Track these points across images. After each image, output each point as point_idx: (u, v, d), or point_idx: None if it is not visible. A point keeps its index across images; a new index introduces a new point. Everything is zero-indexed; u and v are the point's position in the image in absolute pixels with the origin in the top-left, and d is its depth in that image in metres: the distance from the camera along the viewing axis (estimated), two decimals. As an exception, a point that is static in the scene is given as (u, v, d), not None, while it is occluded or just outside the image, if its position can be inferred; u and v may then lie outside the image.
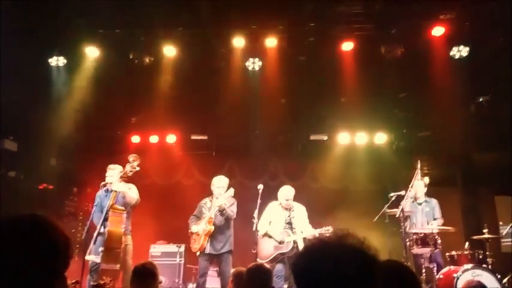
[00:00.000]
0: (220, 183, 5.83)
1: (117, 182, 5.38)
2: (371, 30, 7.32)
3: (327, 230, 5.51)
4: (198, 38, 7.40)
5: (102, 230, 5.10)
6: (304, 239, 5.71)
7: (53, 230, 1.24)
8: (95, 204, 5.60)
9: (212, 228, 5.66)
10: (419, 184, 6.29)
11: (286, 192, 5.96)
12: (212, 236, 5.68)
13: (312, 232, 5.68)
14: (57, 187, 8.18)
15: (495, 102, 7.88)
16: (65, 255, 1.25)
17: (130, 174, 5.41)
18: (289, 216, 5.89)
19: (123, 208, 5.32)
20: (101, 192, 5.67)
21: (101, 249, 4.94)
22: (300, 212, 5.97)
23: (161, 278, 3.82)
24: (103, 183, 5.53)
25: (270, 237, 5.79)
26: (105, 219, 5.15)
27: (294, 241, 5.71)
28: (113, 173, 5.51)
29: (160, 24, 7.17)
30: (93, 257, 4.99)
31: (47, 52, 7.45)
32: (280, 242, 5.73)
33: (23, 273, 1.15)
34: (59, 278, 1.24)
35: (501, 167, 8.24)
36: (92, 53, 7.37)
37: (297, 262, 1.20)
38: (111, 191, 5.39)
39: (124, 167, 5.45)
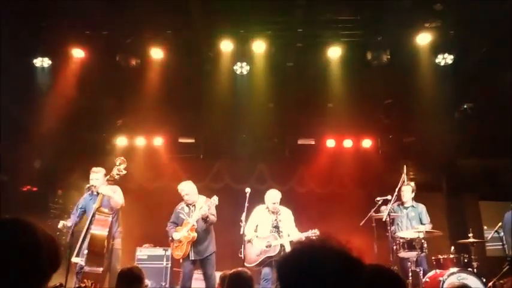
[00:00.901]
0: (185, 190, 5.77)
1: (102, 185, 5.32)
2: (358, 36, 7.41)
3: (313, 233, 5.53)
4: (185, 41, 7.38)
5: (88, 232, 5.05)
6: (291, 242, 5.71)
7: (35, 234, 1.20)
8: (79, 206, 5.53)
9: (195, 235, 5.63)
10: (406, 189, 6.37)
11: (273, 196, 5.96)
12: (194, 243, 5.65)
13: (298, 235, 5.69)
14: (42, 189, 8.04)
15: (479, 109, 8.05)
16: (49, 259, 1.21)
17: (117, 177, 5.37)
18: (276, 219, 5.90)
19: (108, 211, 5.26)
20: (85, 195, 5.60)
21: (85, 251, 4.90)
22: (287, 216, 5.98)
23: (147, 281, 3.77)
24: (87, 186, 5.46)
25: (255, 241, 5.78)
26: (91, 222, 5.09)
27: (281, 244, 5.71)
28: (97, 176, 5.46)
29: (147, 26, 7.13)
30: (78, 259, 4.94)
31: (32, 53, 7.33)
32: (267, 246, 5.73)
33: (2, 279, 1.11)
34: (45, 283, 1.20)
35: (485, 172, 8.42)
36: (77, 54, 7.28)
37: (281, 264, 1.21)
38: (97, 194, 5.34)
39: (110, 169, 5.41)
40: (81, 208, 5.53)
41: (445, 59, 7.38)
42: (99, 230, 5.09)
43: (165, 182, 8.62)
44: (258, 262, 5.70)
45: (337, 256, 1.13)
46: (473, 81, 7.55)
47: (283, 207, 6.05)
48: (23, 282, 1.14)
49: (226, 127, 8.52)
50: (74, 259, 4.93)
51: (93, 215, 5.15)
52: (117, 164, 5.39)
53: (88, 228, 5.10)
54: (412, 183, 6.66)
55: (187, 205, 5.84)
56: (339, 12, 7.08)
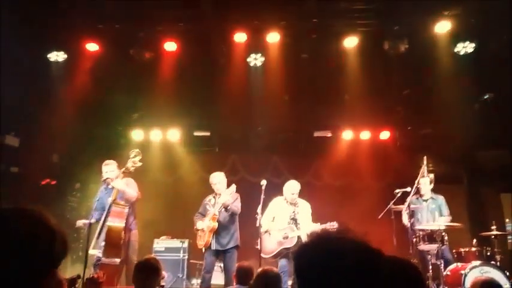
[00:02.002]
0: (215, 179, 5.86)
1: (116, 179, 5.35)
2: (374, 26, 7.25)
3: (331, 225, 5.45)
4: (198, 33, 7.33)
5: (104, 225, 5.09)
6: (308, 234, 5.64)
7: (38, 224, 1.11)
8: (96, 199, 5.57)
9: (216, 224, 5.66)
10: (424, 181, 6.23)
11: (292, 186, 5.92)
12: (217, 233, 5.70)
13: (316, 227, 5.63)
14: (60, 183, 8.11)
15: (500, 99, 7.82)
16: (53, 251, 1.11)
17: (132, 169, 5.38)
18: (293, 212, 5.85)
19: (124, 203, 5.30)
20: (101, 189, 5.67)
21: (102, 243, 4.94)
22: (305, 209, 5.93)
23: (164, 273, 3.75)
24: (103, 179, 5.50)
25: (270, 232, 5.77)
26: (107, 215, 5.14)
27: (298, 236, 5.66)
28: (110, 168, 5.50)
29: (160, 19, 7.10)
30: (96, 251, 4.99)
31: (46, 47, 7.38)
32: (284, 237, 5.68)
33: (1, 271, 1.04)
34: (47, 277, 1.10)
35: (506, 164, 8.18)
36: (91, 48, 7.30)
37: (298, 253, 1.19)
38: (112, 187, 5.38)
39: (124, 162, 5.42)
40: (98, 200, 5.56)
41: (465, 47, 7.19)
42: (116, 222, 5.14)
43: (180, 175, 8.66)
44: (274, 253, 5.67)
45: (355, 247, 1.10)
46: (494, 71, 7.32)
47: (302, 200, 6.00)
48: (22, 277, 1.07)
49: (241, 120, 8.47)
50: (91, 251, 4.96)
51: (110, 207, 5.18)
52: (132, 156, 5.37)
53: (104, 221, 5.13)
54: (431, 175, 6.50)
55: (214, 196, 5.91)
56: (354, 0, 6.93)
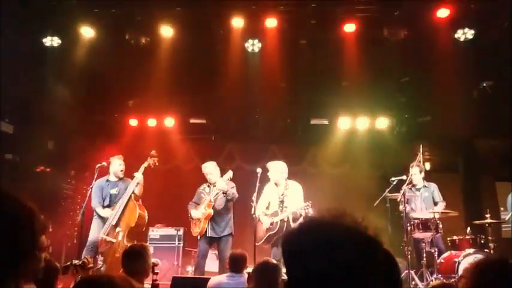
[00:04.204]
0: (206, 169, 5.91)
1: (137, 173, 5.79)
2: (374, 11, 7.13)
3: (306, 206, 5.31)
4: (195, 18, 7.21)
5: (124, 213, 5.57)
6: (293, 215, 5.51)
7: (10, 202, 1.09)
8: (98, 189, 5.83)
9: (211, 211, 5.69)
10: (414, 171, 6.17)
11: (280, 165, 5.83)
12: (212, 220, 5.73)
13: (296, 207, 5.44)
14: (55, 170, 8.09)
15: (499, 87, 7.75)
16: (29, 230, 1.09)
17: (152, 166, 5.91)
18: (282, 194, 5.71)
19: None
20: (101, 182, 5.88)
21: (118, 229, 5.48)
22: (294, 190, 5.72)
23: (158, 260, 3.79)
24: (120, 170, 5.90)
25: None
26: (126, 205, 5.59)
27: (281, 220, 5.52)
28: (122, 162, 5.99)
29: (156, 3, 6.98)
30: (110, 238, 5.43)
31: (41, 32, 7.26)
32: (271, 223, 5.61)
33: None
34: (27, 258, 1.08)
35: (502, 153, 8.17)
36: (87, 33, 7.18)
37: (284, 241, 1.05)
38: (116, 180, 5.89)
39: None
40: (100, 191, 5.88)
41: (465, 34, 7.07)
42: (143, 211, 5.68)
43: (176, 163, 8.63)
44: (263, 240, 5.59)
45: (350, 233, 0.98)
46: (494, 58, 7.24)
47: (293, 182, 5.83)
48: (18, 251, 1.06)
49: (238, 107, 8.41)
50: (105, 236, 5.44)
51: (129, 199, 5.62)
52: (153, 154, 5.92)
53: (124, 210, 5.57)
54: (421, 165, 6.40)
55: (208, 185, 5.93)
56: (353, -15, 6.82)
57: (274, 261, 3.56)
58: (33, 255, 1.11)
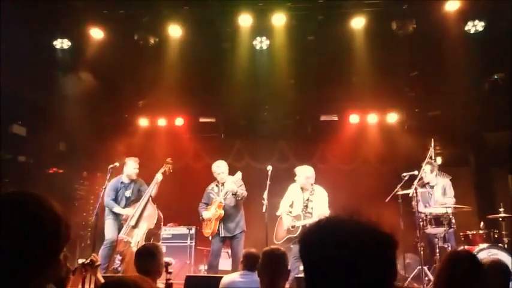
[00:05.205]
0: (219, 169, 5.90)
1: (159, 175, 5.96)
2: (382, 5, 7.07)
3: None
4: (203, 17, 7.22)
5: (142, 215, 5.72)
6: None
7: (45, 208, 1.12)
8: (113, 191, 5.93)
9: (222, 212, 5.70)
10: (426, 169, 6.10)
11: (306, 170, 5.82)
12: (223, 220, 5.74)
13: (317, 217, 5.50)
14: (67, 171, 8.18)
15: (510, 79, 7.64)
16: (59, 234, 1.12)
17: (167, 173, 6.07)
18: (307, 199, 5.74)
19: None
20: (115, 183, 5.92)
21: (137, 230, 5.64)
22: (320, 196, 5.75)
23: (170, 259, 3.81)
24: (134, 172, 6.02)
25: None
26: (145, 206, 5.75)
27: (302, 226, 5.53)
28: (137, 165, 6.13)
29: (164, 3, 7.00)
30: (130, 238, 5.57)
31: (51, 34, 7.33)
32: (292, 226, 5.65)
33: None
34: (54, 260, 1.12)
35: (514, 145, 8.06)
36: (96, 34, 7.24)
37: (303, 239, 1.07)
38: (129, 182, 6.04)
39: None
40: (116, 192, 5.98)
41: (475, 26, 6.98)
42: (159, 213, 5.86)
43: (186, 162, 8.66)
44: (282, 241, 5.64)
45: (365, 231, 1.00)
46: (505, 50, 7.12)
47: (319, 187, 5.84)
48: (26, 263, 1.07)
49: (247, 105, 8.42)
50: (127, 238, 5.59)
51: (148, 201, 5.79)
52: (169, 161, 6.10)
53: (142, 211, 5.73)
54: (434, 162, 6.33)
55: (216, 185, 5.94)
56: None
57: (281, 249, 3.55)
58: (59, 258, 1.14)
